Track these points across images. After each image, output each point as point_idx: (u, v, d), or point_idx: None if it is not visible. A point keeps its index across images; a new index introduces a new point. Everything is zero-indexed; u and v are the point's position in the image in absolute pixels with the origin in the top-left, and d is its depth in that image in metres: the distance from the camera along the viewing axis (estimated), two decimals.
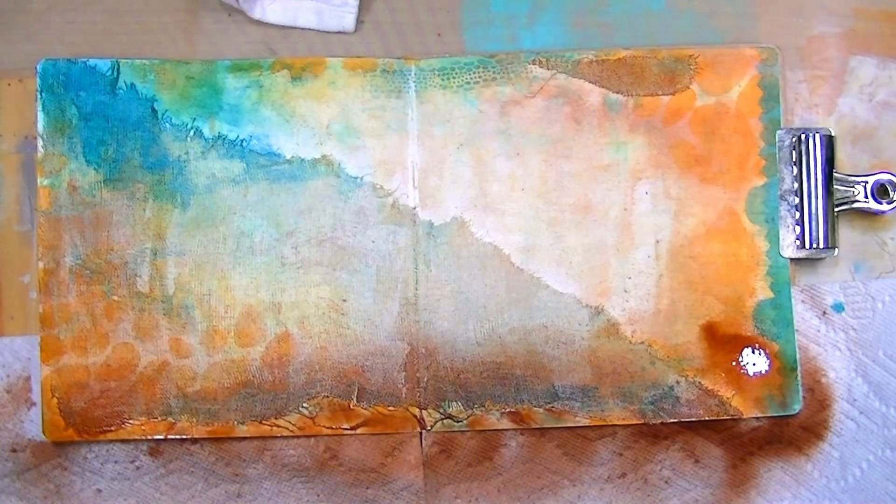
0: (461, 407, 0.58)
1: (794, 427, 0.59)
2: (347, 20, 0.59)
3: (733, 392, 0.58)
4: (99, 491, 0.58)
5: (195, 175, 0.58)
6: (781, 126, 0.59)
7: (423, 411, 0.57)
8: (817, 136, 0.58)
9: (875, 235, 0.59)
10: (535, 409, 0.58)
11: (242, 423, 0.57)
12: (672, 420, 0.58)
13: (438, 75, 0.58)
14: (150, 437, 0.57)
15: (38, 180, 0.57)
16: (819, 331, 0.59)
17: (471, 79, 0.59)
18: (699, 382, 0.58)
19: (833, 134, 0.59)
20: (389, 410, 0.57)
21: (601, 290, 0.58)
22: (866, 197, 0.58)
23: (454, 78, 0.58)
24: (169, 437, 0.57)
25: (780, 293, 0.58)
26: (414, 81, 0.58)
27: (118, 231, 0.57)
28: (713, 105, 0.59)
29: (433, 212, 0.58)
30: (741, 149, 0.59)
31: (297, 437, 0.58)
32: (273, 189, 0.58)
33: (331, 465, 0.58)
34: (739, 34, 0.60)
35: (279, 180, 0.58)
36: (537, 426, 0.58)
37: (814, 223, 0.58)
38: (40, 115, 0.57)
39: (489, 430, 0.58)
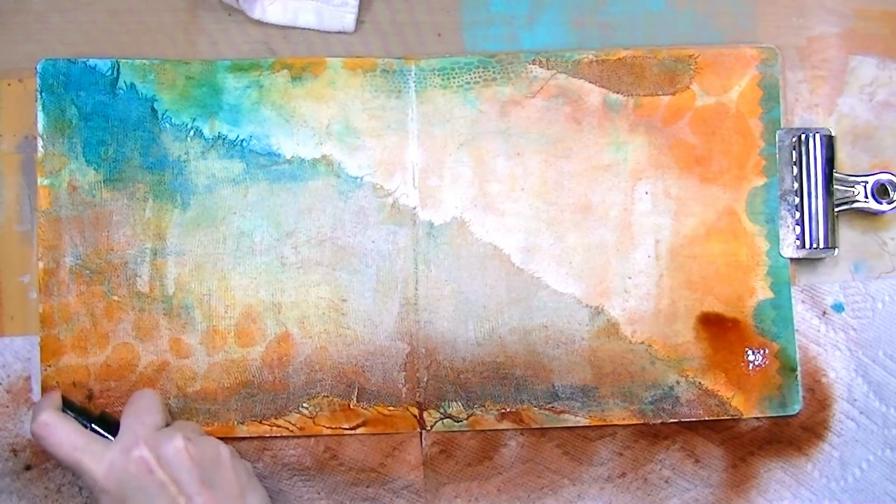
0: (461, 407, 0.58)
1: (794, 427, 0.59)
2: (347, 20, 0.59)
3: (733, 392, 0.58)
4: None
5: (195, 175, 0.58)
6: (781, 126, 0.59)
7: (423, 411, 0.57)
8: (817, 136, 0.58)
9: (875, 235, 0.59)
10: (535, 409, 0.58)
11: (242, 423, 0.57)
12: (672, 420, 0.58)
13: (438, 75, 0.58)
14: None
15: (38, 180, 0.57)
16: (819, 331, 0.59)
17: (471, 79, 0.59)
18: (699, 382, 0.58)
19: (833, 134, 0.59)
20: (389, 410, 0.57)
21: (601, 290, 0.58)
22: (866, 197, 0.58)
23: (454, 78, 0.58)
24: None
25: (780, 293, 0.58)
26: (414, 81, 0.58)
27: (118, 231, 0.57)
28: (713, 105, 0.59)
29: (433, 212, 0.58)
30: (741, 149, 0.59)
31: (297, 437, 0.58)
32: (273, 189, 0.58)
33: (331, 464, 0.58)
34: (739, 34, 0.60)
35: (279, 180, 0.58)
36: (537, 426, 0.58)
37: (814, 223, 0.58)
38: (40, 115, 0.57)
39: (489, 430, 0.58)
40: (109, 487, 0.49)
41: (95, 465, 0.49)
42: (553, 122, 0.59)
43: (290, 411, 0.57)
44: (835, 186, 0.58)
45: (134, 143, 0.58)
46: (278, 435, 0.57)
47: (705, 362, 0.58)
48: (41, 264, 0.57)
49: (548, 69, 0.59)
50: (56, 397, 0.53)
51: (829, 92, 0.60)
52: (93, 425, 0.52)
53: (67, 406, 0.53)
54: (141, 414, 0.51)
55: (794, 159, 0.59)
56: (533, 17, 0.60)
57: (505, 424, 0.58)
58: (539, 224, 0.58)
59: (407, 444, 0.58)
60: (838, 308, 0.59)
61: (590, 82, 0.59)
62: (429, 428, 0.58)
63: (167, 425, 0.53)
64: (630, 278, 0.58)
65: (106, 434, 0.52)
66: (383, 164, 0.58)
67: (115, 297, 0.57)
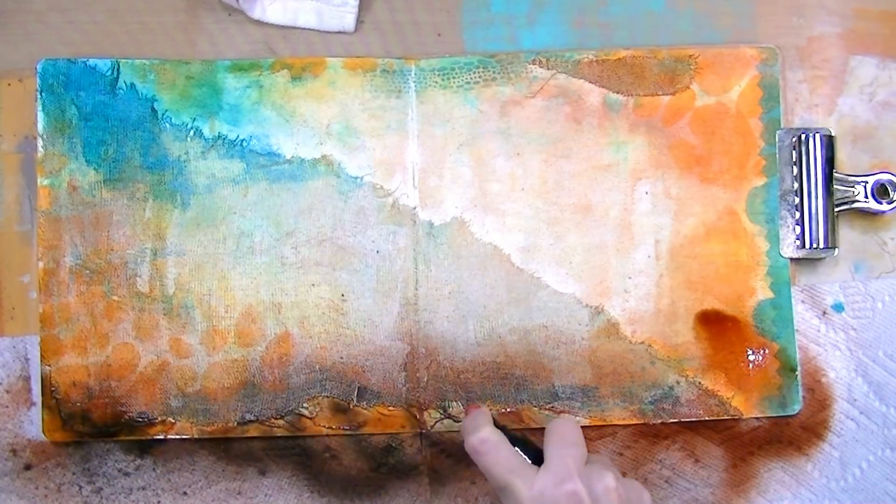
0: (461, 407, 0.58)
1: (794, 427, 0.59)
2: (347, 20, 0.59)
3: (733, 392, 0.58)
4: (99, 490, 0.58)
5: (195, 175, 0.58)
6: (781, 126, 0.59)
7: (424, 411, 0.57)
8: (817, 136, 0.58)
9: (875, 235, 0.59)
10: (535, 409, 0.58)
11: (242, 424, 0.57)
12: (672, 420, 0.58)
13: (438, 75, 0.58)
14: (150, 437, 0.57)
15: (38, 180, 0.57)
16: (819, 331, 0.59)
17: (471, 79, 0.59)
18: (699, 382, 0.58)
19: (833, 134, 0.59)
20: (389, 410, 0.57)
21: (601, 290, 0.58)
22: (866, 197, 0.58)
23: (454, 78, 0.58)
24: (169, 437, 0.57)
25: (780, 293, 0.58)
26: (414, 81, 0.58)
27: (118, 231, 0.57)
28: (713, 105, 0.59)
29: (433, 212, 0.58)
30: (741, 149, 0.59)
31: (298, 436, 0.58)
32: (273, 189, 0.58)
33: (331, 464, 0.58)
34: (739, 34, 0.60)
35: (279, 180, 0.58)
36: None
37: (814, 223, 0.58)
38: (40, 115, 0.57)
39: None
40: None
41: (526, 491, 0.48)
42: (553, 122, 0.59)
43: (290, 411, 0.57)
44: (835, 186, 0.58)
45: (134, 143, 0.58)
46: (278, 435, 0.57)
47: (705, 362, 0.58)
48: (41, 264, 0.57)
49: (548, 69, 0.59)
50: (488, 413, 0.52)
51: (829, 92, 0.60)
52: (516, 448, 0.51)
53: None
54: (568, 445, 0.50)
55: (794, 159, 0.59)
56: (533, 17, 0.60)
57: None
58: (539, 224, 0.58)
59: (407, 444, 0.58)
60: (838, 308, 0.59)
61: (590, 82, 0.59)
62: (429, 428, 0.58)
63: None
64: (630, 278, 0.58)
65: (526, 458, 0.50)
66: (383, 164, 0.58)
67: (115, 297, 0.57)
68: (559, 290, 0.58)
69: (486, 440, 0.50)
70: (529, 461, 0.50)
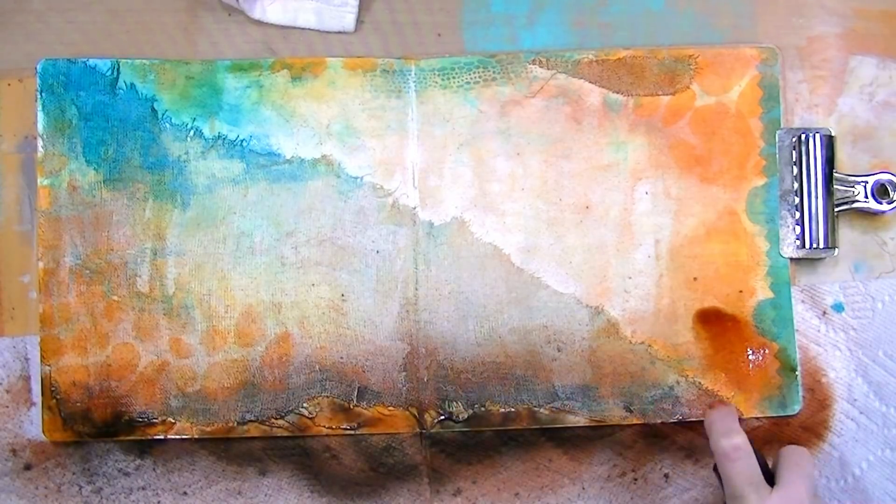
0: (461, 407, 0.58)
1: (794, 427, 0.59)
2: (347, 20, 0.59)
3: (733, 392, 0.58)
4: (99, 490, 0.58)
5: (195, 175, 0.58)
6: (781, 126, 0.59)
7: (424, 411, 0.57)
8: (817, 136, 0.58)
9: (875, 235, 0.59)
10: (535, 409, 0.58)
11: (242, 424, 0.57)
12: (672, 420, 0.58)
13: (438, 75, 0.58)
14: (150, 437, 0.57)
15: (38, 180, 0.57)
16: (819, 331, 0.59)
17: (471, 79, 0.59)
18: (699, 382, 0.58)
19: (833, 134, 0.59)
20: (389, 410, 0.57)
21: (601, 290, 0.58)
22: (866, 197, 0.58)
23: (454, 78, 0.58)
24: (169, 437, 0.57)
25: (780, 293, 0.58)
26: (414, 81, 0.58)
27: (118, 231, 0.57)
28: (713, 105, 0.59)
29: (433, 212, 0.58)
30: (741, 149, 0.59)
31: (298, 436, 0.58)
32: (273, 189, 0.58)
33: (331, 464, 0.58)
34: (739, 34, 0.60)
35: (279, 180, 0.58)
36: (537, 426, 0.58)
37: (814, 223, 0.58)
38: (40, 115, 0.57)
39: (489, 430, 0.58)
40: None
41: None
42: (553, 122, 0.59)
43: (290, 411, 0.57)
44: (835, 186, 0.58)
45: (134, 143, 0.58)
46: (278, 435, 0.57)
47: (705, 362, 0.58)
48: (41, 264, 0.57)
49: (548, 69, 0.59)
50: (737, 415, 0.52)
51: (829, 92, 0.60)
52: None
53: None
54: (804, 474, 0.50)
55: (794, 159, 0.59)
56: (533, 17, 0.60)
57: (505, 424, 0.58)
58: (539, 224, 0.58)
59: (407, 444, 0.58)
60: (838, 308, 0.59)
61: (590, 82, 0.59)
62: (429, 428, 0.58)
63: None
64: (630, 278, 0.58)
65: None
66: (383, 164, 0.58)
67: (115, 297, 0.57)
68: (559, 290, 0.58)
69: (739, 448, 0.50)
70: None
